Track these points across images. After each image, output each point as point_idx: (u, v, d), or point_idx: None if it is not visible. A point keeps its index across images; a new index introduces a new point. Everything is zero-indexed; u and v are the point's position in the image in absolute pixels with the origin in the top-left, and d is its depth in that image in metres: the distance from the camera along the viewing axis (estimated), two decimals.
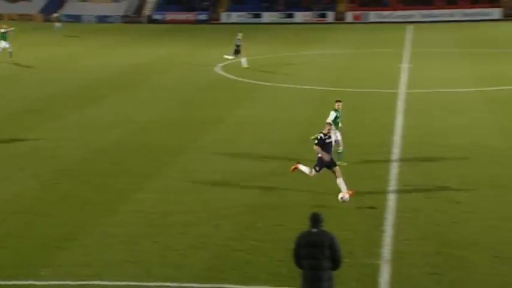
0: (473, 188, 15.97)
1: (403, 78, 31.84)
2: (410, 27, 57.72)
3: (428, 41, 47.81)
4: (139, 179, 17.31)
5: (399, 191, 15.90)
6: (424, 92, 28.37)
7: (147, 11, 71.12)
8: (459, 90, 28.42)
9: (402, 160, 18.39)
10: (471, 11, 65.56)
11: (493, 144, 19.84)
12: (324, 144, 15.36)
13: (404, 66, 35.79)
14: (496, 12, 65.39)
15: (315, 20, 66.06)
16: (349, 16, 66.41)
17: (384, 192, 15.82)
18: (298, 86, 30.39)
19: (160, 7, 70.56)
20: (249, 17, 67.23)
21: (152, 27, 63.28)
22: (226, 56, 37.29)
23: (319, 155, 15.42)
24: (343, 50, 44.03)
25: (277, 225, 13.93)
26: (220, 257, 12.57)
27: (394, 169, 17.64)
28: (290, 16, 67.08)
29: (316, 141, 15.36)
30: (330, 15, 66.92)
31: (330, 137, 15.50)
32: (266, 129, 22.47)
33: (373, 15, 65.67)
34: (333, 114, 17.85)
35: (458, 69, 34.41)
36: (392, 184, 16.42)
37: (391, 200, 15.35)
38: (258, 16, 67.43)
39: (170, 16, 68.17)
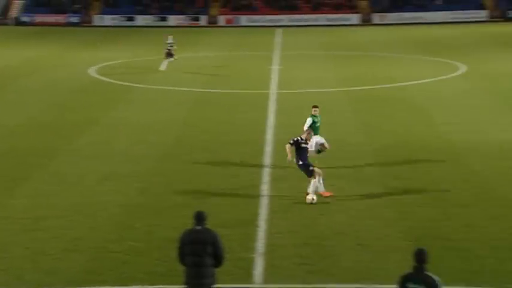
0: (337, 181, 16.63)
1: (274, 80, 32.60)
2: (280, 31, 59.12)
3: (296, 44, 49.20)
4: (9, 184, 16.67)
5: (272, 187, 16.30)
6: (294, 92, 29.19)
7: (14, 12, 68.20)
8: (325, 90, 29.47)
9: (274, 157, 18.85)
10: (333, 17, 68.27)
11: (357, 140, 20.76)
12: (299, 147, 15.20)
13: (275, 68, 36.64)
14: (355, 18, 68.55)
15: (188, 23, 66.13)
16: (222, 20, 67.03)
17: (257, 189, 16.16)
18: (172, 88, 30.35)
19: (28, 9, 67.91)
20: (123, 20, 66.21)
21: (20, 30, 60.85)
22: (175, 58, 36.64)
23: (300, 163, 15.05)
24: (216, 52, 44.40)
25: (155, 225, 13.89)
26: (97, 259, 12.37)
27: (267, 166, 18.05)
28: (164, 19, 66.73)
29: (291, 141, 15.25)
30: (203, 19, 67.22)
31: (306, 143, 15.37)
32: (142, 131, 22.28)
33: (244, 19, 66.64)
34: (309, 121, 17.13)
35: (324, 70, 35.66)
36: (266, 180, 16.81)
37: (265, 195, 15.72)
38: (131, 19, 66.55)
39: (39, 18, 65.79)
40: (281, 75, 33.88)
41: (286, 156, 15.37)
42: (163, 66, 35.74)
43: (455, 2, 72.57)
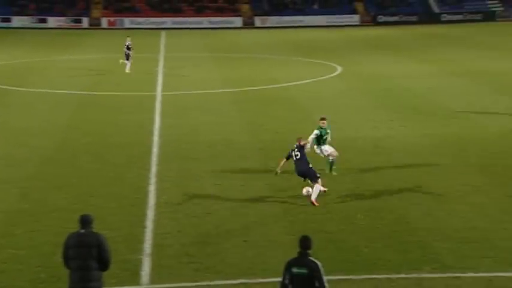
0: (223, 180, 16.66)
1: (160, 81, 32.21)
2: (164, 33, 58.56)
3: (180, 46, 48.91)
4: None
5: (159, 187, 16.05)
6: (180, 93, 28.96)
7: None
8: (210, 91, 29.46)
9: (161, 158, 18.59)
10: (217, 20, 68.56)
11: (242, 139, 20.87)
12: (290, 157, 15.17)
13: (160, 69, 36.22)
14: (237, 21, 69.21)
15: (69, 25, 64.10)
16: (105, 22, 65.52)
17: (144, 190, 15.86)
18: (53, 91, 29.26)
19: None
20: None
21: None
22: (121, 61, 35.11)
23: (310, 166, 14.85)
24: (100, 55, 43.30)
25: (35, 231, 13.28)
26: None
27: (154, 167, 17.77)
28: (43, 21, 64.29)
29: (286, 156, 15.31)
30: (85, 21, 65.42)
31: (301, 148, 15.09)
32: (22, 135, 21.31)
33: (128, 22, 65.47)
34: (315, 133, 16.54)
35: (208, 72, 35.65)
36: (152, 181, 16.53)
37: (151, 196, 15.45)
38: (7, 20, 63.62)
39: None
40: (166, 77, 33.54)
41: (276, 168, 15.36)
42: (127, 69, 34.43)
43: (330, 6, 74.88)
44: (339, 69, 36.44)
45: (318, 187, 14.69)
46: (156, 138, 20.87)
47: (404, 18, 72.85)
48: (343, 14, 73.48)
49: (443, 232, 13.14)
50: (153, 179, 16.70)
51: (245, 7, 73.55)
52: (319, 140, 16.71)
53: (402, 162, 18.15)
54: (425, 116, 23.73)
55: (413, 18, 73.17)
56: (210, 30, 62.39)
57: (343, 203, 14.99)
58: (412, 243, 12.67)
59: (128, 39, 35.54)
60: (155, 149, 19.56)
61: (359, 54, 43.78)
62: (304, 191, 14.80)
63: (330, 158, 16.86)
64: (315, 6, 75.14)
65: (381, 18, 73.68)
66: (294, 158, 15.19)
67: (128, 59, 35.01)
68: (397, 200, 15.17)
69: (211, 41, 53.53)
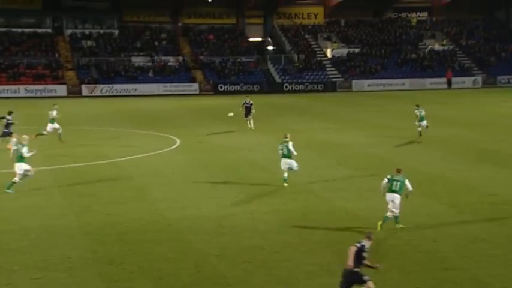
0: (42, 273, 15.41)
1: None
2: None
3: None
4: None
5: None
6: None
7: None
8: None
9: None
10: (36, 87, 66.59)
11: (66, 224, 19.66)
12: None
13: None
14: (61, 89, 67.80)
15: None
16: None
17: None
18: None
19: None
20: None
21: None
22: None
23: None
24: None
25: None
26: None
27: None
28: None
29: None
30: None
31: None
32: None
33: None
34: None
35: None
36: None
37: None
38: None
39: None
40: None
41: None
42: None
43: (166, 74, 75.49)
44: (178, 141, 36.22)
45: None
46: None
47: (246, 88, 75.00)
48: (181, 83, 74.41)
49: None
50: None
51: (70, 74, 72.19)
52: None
53: (249, 242, 17.89)
54: (272, 191, 23.87)
55: (255, 88, 75.55)
56: (28, 100, 60.14)
57: None
58: None
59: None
60: None
61: (200, 125, 43.99)
62: None
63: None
64: (150, 74, 75.43)
65: (222, 87, 75.38)
66: None
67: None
68: (244, 284, 14.77)
69: (30, 111, 51.49)
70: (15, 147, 24.10)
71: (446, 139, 36.27)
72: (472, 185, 24.56)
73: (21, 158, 23.59)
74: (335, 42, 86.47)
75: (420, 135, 36.57)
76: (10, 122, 34.95)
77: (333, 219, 20.16)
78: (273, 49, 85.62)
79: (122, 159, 30.68)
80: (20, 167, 23.59)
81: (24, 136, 24.54)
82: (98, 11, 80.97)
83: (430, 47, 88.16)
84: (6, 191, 23.38)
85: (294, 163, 24.52)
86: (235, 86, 75.84)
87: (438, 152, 31.69)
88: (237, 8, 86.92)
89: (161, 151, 33.05)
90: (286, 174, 24.48)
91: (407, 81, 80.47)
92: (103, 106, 56.79)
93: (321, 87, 77.95)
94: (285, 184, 24.31)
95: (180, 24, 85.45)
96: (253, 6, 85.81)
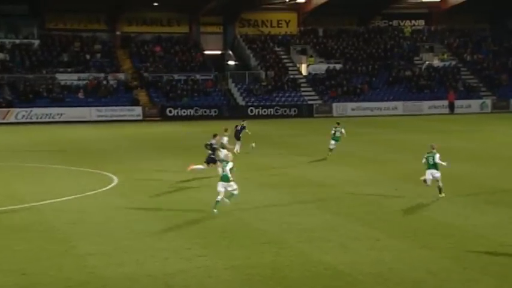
0: None
1: None
2: None
3: None
4: None
5: None
6: None
7: None
8: None
9: None
10: None
11: None
12: None
13: None
14: None
15: None
16: None
17: None
18: None
19: None
20: None
21: None
22: None
23: None
24: None
25: None
26: None
27: None
28: None
29: None
30: None
31: None
32: None
33: None
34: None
35: None
36: None
37: None
38: None
39: None
40: None
41: None
42: None
43: (102, 95, 75.29)
44: (115, 179, 36.00)
45: None
46: None
47: (201, 112, 75.18)
48: (120, 106, 74.33)
49: None
50: None
51: None
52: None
53: None
54: (235, 242, 23.70)
55: (213, 113, 75.77)
56: None
57: None
58: None
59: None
60: None
61: (143, 158, 43.89)
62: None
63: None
64: (80, 95, 75.14)
65: (171, 112, 75.43)
66: None
67: None
68: None
69: None
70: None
71: (449, 176, 36.54)
72: (480, 232, 24.66)
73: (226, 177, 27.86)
74: (311, 56, 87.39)
75: (329, 153, 43.05)
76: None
77: (309, 276, 20.04)
78: (235, 64, 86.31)
79: (42, 202, 30.33)
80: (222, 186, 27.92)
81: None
82: (12, 16, 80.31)
83: (427, 62, 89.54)
84: (214, 211, 27.56)
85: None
86: (188, 111, 76.05)
87: (437, 192, 31.85)
88: (189, 13, 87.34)
89: (93, 192, 32.76)
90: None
91: (400, 104, 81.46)
92: (19, 135, 56.29)
93: (294, 111, 78.56)
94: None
95: (118, 33, 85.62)
96: (210, 11, 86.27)
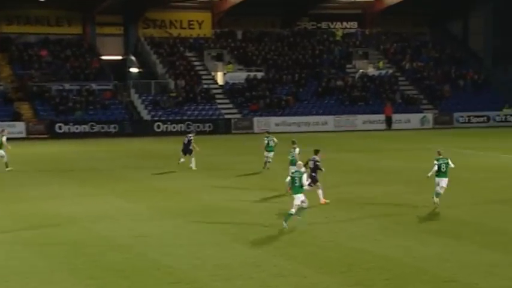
0: None
1: None
2: None
3: None
4: None
5: None
6: None
7: None
8: None
9: None
10: None
11: None
12: None
13: None
14: None
15: None
16: None
17: None
18: None
19: None
20: None
21: None
22: None
23: None
24: None
25: None
26: None
27: None
28: None
29: None
30: None
31: None
32: None
33: None
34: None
35: None
36: None
37: None
38: None
39: None
40: None
41: None
42: None
43: None
44: None
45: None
46: None
47: (99, 128, 74.43)
48: None
49: None
50: None
51: None
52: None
53: None
54: (137, 283, 23.37)
55: (113, 128, 75.10)
56: None
57: None
58: None
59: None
60: None
61: (25, 184, 43.30)
62: None
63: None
64: None
65: (61, 128, 74.46)
66: None
67: None
68: None
69: None
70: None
71: (386, 201, 36.81)
72: (421, 266, 24.83)
73: (300, 188, 30.39)
74: (230, 63, 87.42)
75: (264, 166, 46.44)
76: None
77: None
78: (139, 72, 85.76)
79: None
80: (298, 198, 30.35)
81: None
82: None
83: (361, 70, 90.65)
84: (284, 224, 30.11)
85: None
86: (82, 127, 75.25)
87: (374, 224, 32.04)
88: (83, 11, 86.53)
89: None
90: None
91: (330, 119, 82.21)
92: None
93: (209, 127, 78.53)
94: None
95: None
96: (107, 9, 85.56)
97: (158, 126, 77.43)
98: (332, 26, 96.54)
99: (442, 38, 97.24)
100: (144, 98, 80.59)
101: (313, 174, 35.49)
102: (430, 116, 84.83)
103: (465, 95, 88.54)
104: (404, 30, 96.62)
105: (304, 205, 30.81)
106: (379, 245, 27.74)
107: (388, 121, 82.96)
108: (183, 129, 76.86)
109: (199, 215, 33.96)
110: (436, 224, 31.51)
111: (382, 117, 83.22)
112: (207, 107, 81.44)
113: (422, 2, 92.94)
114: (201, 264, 25.24)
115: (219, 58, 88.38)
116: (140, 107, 79.99)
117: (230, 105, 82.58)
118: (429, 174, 33.66)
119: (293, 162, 38.17)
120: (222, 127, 78.81)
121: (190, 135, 49.93)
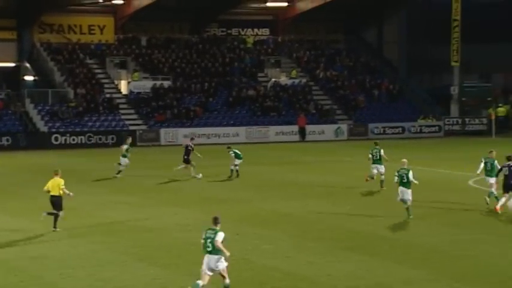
0: None
1: None
2: None
3: None
4: None
5: None
6: None
7: None
8: None
9: None
10: None
11: None
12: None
13: None
14: None
15: None
16: None
17: None
18: None
19: None
20: None
21: None
22: None
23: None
24: None
25: None
26: None
27: None
28: None
29: None
30: None
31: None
32: None
33: None
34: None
35: None
36: None
37: None
38: None
39: None
40: None
41: None
42: None
43: None
44: None
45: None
46: None
47: None
48: None
49: None
50: None
51: None
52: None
53: None
54: None
55: (5, 141, 74.24)
56: None
57: None
58: None
59: None
60: None
61: None
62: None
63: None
64: None
65: None
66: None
67: None
68: None
69: None
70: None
71: (300, 217, 37.07)
72: (335, 285, 25.13)
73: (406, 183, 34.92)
74: (135, 70, 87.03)
75: (230, 175, 50.11)
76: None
77: None
78: (35, 80, 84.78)
79: None
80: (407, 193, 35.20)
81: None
82: None
83: (273, 79, 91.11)
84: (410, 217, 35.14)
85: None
86: None
87: (287, 241, 32.24)
88: None
89: None
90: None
91: (242, 130, 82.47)
92: None
93: (112, 139, 77.87)
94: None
95: None
96: None
97: (56, 139, 76.53)
98: (243, 33, 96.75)
99: (357, 46, 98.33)
100: (40, 108, 79.64)
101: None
102: (344, 127, 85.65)
103: (380, 106, 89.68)
104: (318, 38, 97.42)
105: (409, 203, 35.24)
106: (291, 263, 27.95)
107: (302, 132, 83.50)
108: (83, 141, 76.34)
109: (101, 233, 33.78)
110: (350, 241, 31.84)
111: (295, 128, 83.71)
112: (109, 117, 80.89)
113: (336, 9, 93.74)
114: (103, 287, 25.15)
115: (122, 66, 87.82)
116: (36, 118, 79.03)
117: (135, 116, 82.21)
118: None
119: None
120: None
121: (188, 143, 52.47)
